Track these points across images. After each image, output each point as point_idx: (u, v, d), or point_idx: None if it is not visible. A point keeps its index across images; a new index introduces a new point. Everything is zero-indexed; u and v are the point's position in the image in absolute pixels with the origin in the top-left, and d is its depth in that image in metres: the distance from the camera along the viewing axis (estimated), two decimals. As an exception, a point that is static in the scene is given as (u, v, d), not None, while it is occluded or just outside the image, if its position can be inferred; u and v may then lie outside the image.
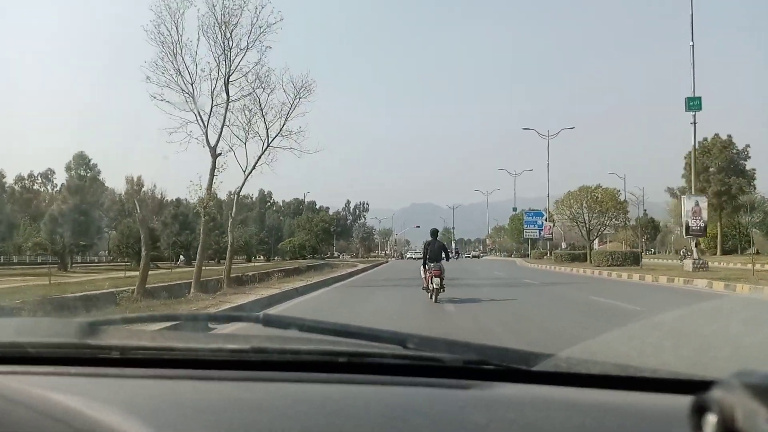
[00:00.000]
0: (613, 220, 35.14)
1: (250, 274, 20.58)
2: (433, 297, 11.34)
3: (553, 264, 37.30)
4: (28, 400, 0.85)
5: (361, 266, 35.32)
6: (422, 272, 12.12)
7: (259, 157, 17.27)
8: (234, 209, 17.58)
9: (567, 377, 0.96)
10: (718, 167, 52.09)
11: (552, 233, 53.20)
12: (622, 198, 35.52)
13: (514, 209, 73.32)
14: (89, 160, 53.56)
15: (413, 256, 78.42)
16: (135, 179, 71.47)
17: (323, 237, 64.20)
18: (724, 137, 53.09)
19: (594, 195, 34.62)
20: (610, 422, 0.82)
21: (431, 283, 11.43)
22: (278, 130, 17.37)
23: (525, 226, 58.06)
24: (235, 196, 17.61)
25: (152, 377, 1.02)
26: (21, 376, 1.00)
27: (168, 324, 2.48)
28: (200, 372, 1.02)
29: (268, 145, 17.39)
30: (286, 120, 17.42)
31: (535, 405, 0.87)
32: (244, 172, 17.10)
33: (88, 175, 52.94)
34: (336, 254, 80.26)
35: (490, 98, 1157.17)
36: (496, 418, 0.83)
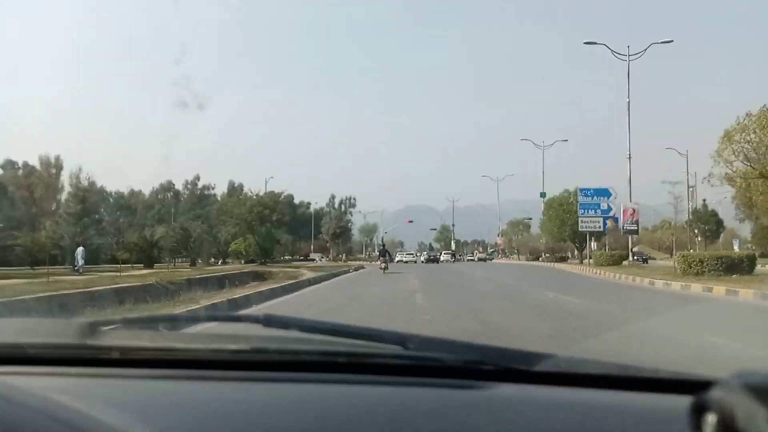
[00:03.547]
0: None
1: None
2: (383, 271, 25.25)
3: (684, 279, 17.32)
4: (29, 401, 0.84)
5: (308, 276, 21.20)
6: (379, 260, 28.04)
7: None
8: None
9: (567, 377, 0.97)
10: None
11: (636, 221, 32.62)
12: None
13: (542, 195, 54.17)
14: None
15: (404, 259, 59.50)
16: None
17: (262, 230, 42.03)
18: None
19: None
20: (611, 422, 0.82)
21: (382, 265, 26.22)
22: None
23: (580, 213, 35.69)
24: None
25: (153, 378, 1.03)
26: (21, 377, 1.01)
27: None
28: (201, 372, 1.03)
29: None
30: None
31: (535, 405, 0.88)
32: None
33: None
34: (313, 256, 63.89)
35: (492, 97, 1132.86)
36: (496, 418, 0.84)
